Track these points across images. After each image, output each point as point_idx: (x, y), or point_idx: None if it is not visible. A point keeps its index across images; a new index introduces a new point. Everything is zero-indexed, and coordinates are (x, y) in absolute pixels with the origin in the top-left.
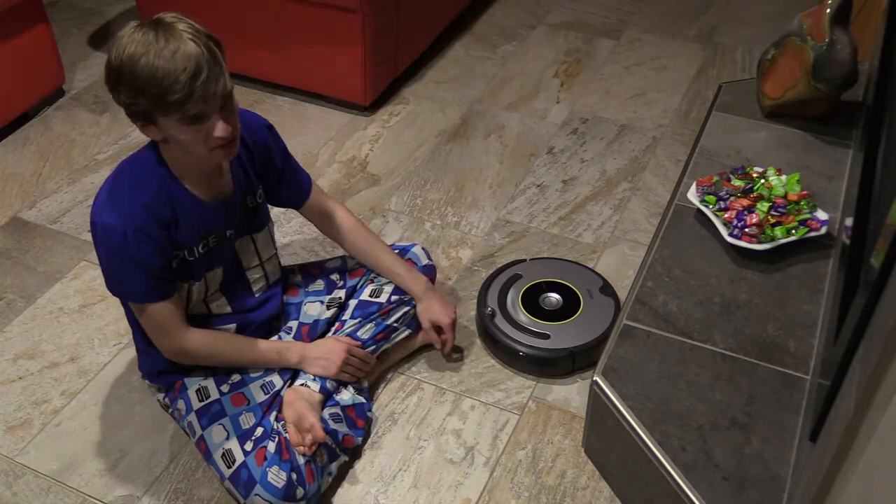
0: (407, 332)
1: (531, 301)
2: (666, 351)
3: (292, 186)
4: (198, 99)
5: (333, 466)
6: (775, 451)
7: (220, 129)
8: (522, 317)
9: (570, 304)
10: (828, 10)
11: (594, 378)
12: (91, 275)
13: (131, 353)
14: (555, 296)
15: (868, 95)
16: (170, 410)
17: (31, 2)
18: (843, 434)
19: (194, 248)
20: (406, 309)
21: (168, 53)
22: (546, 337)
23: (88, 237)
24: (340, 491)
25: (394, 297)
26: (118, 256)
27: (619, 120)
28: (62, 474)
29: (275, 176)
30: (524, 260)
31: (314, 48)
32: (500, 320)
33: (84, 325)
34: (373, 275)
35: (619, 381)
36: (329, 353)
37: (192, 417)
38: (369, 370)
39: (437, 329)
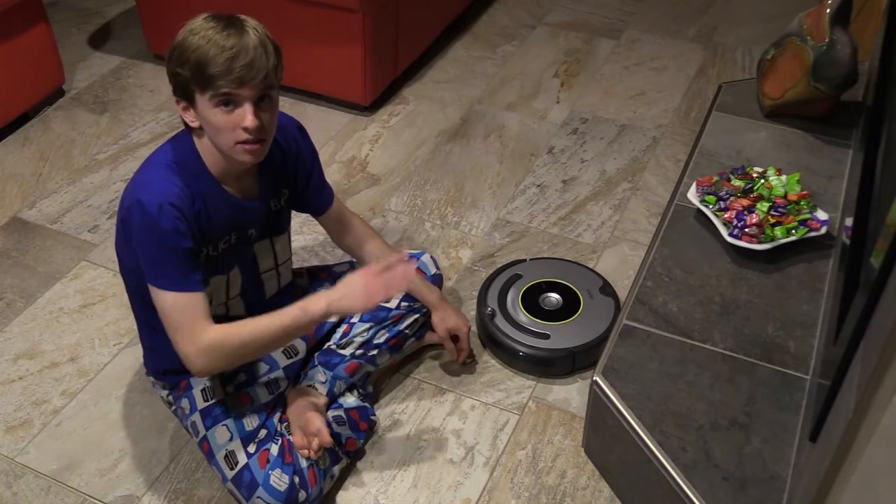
0: (413, 341)
1: (531, 301)
2: (666, 351)
3: (317, 192)
4: (235, 79)
5: (336, 469)
6: (775, 451)
7: (249, 119)
8: (522, 317)
9: (570, 304)
10: (828, 11)
11: (594, 378)
12: (91, 275)
13: (131, 353)
14: (555, 296)
15: (868, 95)
16: (172, 408)
17: (31, 2)
18: (843, 434)
19: (218, 244)
20: (416, 316)
21: (224, 34)
22: (546, 337)
23: (89, 237)
24: (341, 491)
25: (403, 304)
26: (153, 235)
27: (619, 120)
28: (62, 474)
29: (303, 179)
30: (524, 260)
31: (314, 48)
32: (500, 320)
33: (84, 325)
34: None
35: (619, 381)
36: (348, 286)
37: (196, 417)
38: (403, 286)
39: (453, 338)
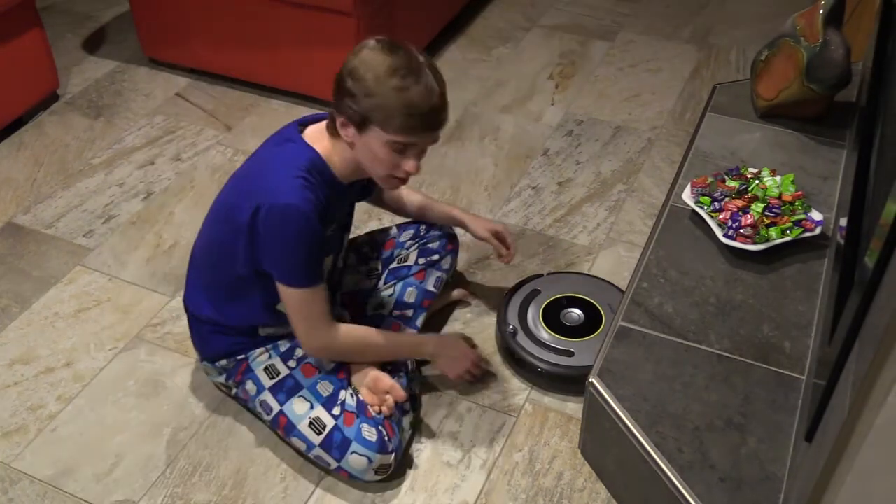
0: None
1: (552, 317)
2: (662, 352)
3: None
4: (421, 135)
5: (406, 422)
6: (771, 451)
7: (411, 165)
8: (544, 334)
9: (592, 320)
10: (821, 11)
11: (590, 380)
12: (86, 279)
13: (127, 357)
14: (576, 311)
15: (861, 96)
16: (233, 392)
17: (25, 6)
18: (838, 434)
19: (326, 231)
20: (438, 274)
21: (424, 88)
22: (570, 354)
23: (83, 241)
24: (336, 494)
25: (421, 260)
26: (298, 236)
27: (614, 121)
28: (58, 480)
29: None
30: (542, 275)
31: (309, 51)
32: (522, 338)
33: (79, 330)
34: (399, 249)
35: (615, 383)
36: (461, 355)
37: (267, 395)
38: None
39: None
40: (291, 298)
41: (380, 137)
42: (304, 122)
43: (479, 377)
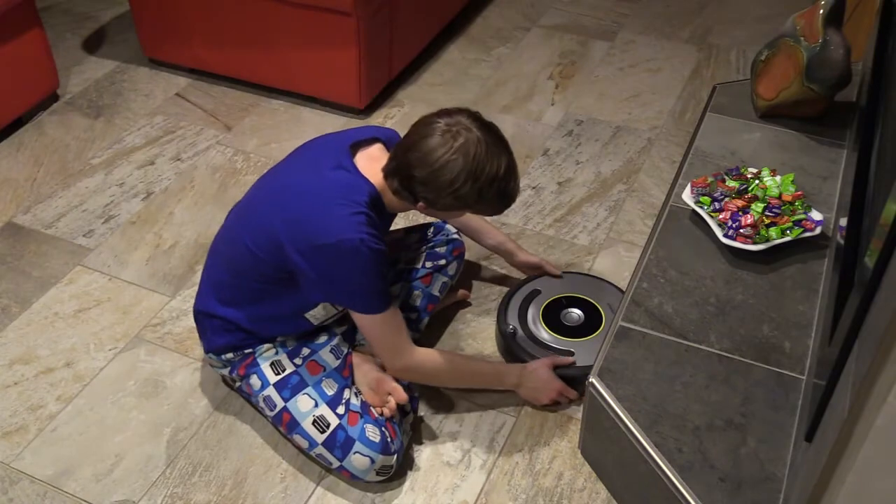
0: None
1: (552, 317)
2: (662, 352)
3: None
4: None
5: (406, 424)
6: (771, 451)
7: None
8: (545, 334)
9: (592, 320)
10: (821, 11)
11: (590, 380)
12: (86, 279)
13: (127, 357)
14: (576, 311)
15: (861, 96)
16: (237, 385)
17: (25, 6)
18: (838, 434)
19: None
20: (444, 280)
21: (516, 180)
22: (570, 354)
23: (83, 241)
24: (337, 494)
25: (428, 264)
26: (368, 268)
27: (614, 121)
28: (58, 480)
29: None
30: (542, 275)
31: (309, 51)
32: (522, 339)
33: (79, 330)
34: (407, 252)
35: (615, 383)
36: (544, 386)
37: (271, 391)
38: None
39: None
40: (372, 325)
41: (468, 212)
42: (355, 145)
43: (563, 403)
